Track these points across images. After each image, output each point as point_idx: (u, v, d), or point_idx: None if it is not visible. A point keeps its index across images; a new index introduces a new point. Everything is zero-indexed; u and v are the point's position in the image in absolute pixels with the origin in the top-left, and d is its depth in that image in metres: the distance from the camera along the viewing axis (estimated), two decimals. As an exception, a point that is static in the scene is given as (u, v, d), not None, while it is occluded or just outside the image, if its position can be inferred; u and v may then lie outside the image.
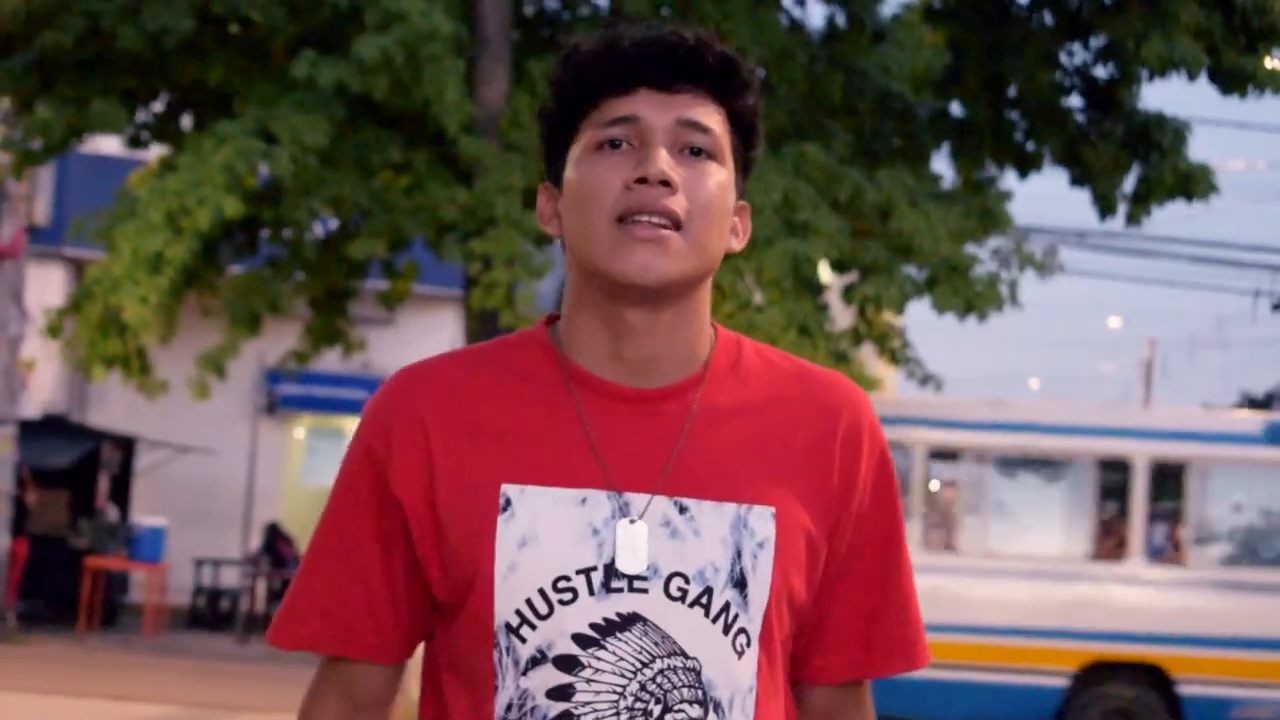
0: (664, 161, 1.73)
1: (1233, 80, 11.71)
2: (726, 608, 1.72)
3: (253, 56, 11.85)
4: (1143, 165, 12.45)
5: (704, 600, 1.72)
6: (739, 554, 1.73)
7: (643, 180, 1.72)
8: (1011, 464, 12.55)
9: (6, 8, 11.50)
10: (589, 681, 1.70)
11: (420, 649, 1.85)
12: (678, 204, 1.72)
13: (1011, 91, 12.96)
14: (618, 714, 1.69)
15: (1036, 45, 12.60)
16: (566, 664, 1.70)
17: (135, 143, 13.03)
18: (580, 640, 1.70)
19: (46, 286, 19.29)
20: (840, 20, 12.96)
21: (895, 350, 12.82)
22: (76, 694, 11.94)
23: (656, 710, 1.70)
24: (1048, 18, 12.80)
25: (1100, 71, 12.78)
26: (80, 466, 18.62)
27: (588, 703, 1.70)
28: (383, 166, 11.72)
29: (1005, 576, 11.54)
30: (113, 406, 20.72)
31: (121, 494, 19.56)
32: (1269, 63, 11.63)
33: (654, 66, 1.75)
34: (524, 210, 10.67)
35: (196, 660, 15.43)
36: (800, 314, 10.77)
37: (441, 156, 11.54)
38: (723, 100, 1.78)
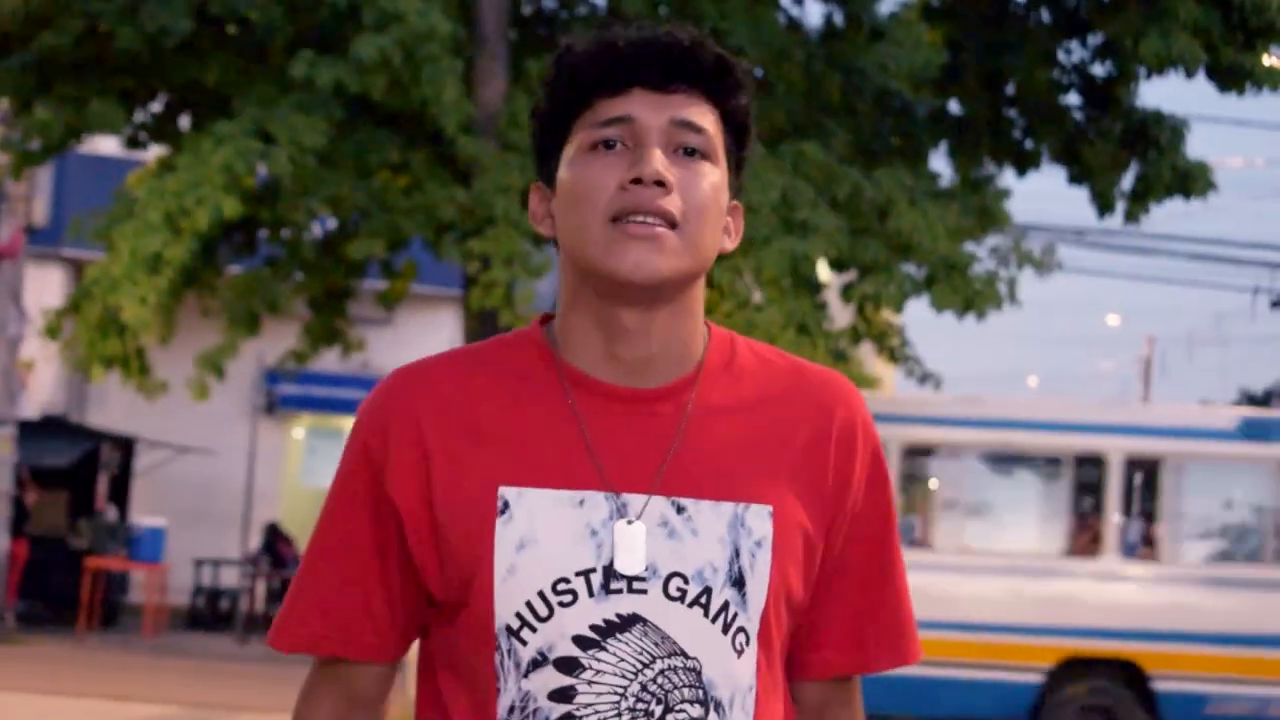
0: (659, 162, 1.73)
1: (1231, 77, 11.71)
2: (725, 607, 1.73)
3: (251, 57, 11.85)
4: (1141, 163, 12.46)
5: (703, 600, 1.72)
6: (737, 553, 1.73)
7: (638, 181, 1.72)
8: (987, 460, 12.56)
9: (5, 8, 11.50)
10: (590, 683, 1.70)
11: (415, 645, 1.85)
12: (672, 204, 1.73)
13: (1010, 89, 12.97)
14: (619, 715, 1.70)
15: (1034, 43, 12.60)
16: (567, 666, 1.70)
17: (133, 143, 13.04)
18: (581, 642, 1.70)
19: (45, 287, 19.30)
20: (838, 19, 12.97)
21: (894, 349, 12.84)
22: (76, 694, 11.94)
23: (658, 711, 1.70)
24: (1046, 15, 12.81)
25: (1098, 69, 12.79)
26: (80, 467, 18.62)
27: (589, 704, 1.70)
28: (381, 166, 11.72)
29: (981, 573, 11.54)
30: (112, 407, 20.72)
31: (121, 494, 19.56)
32: (1267, 60, 11.63)
33: (648, 67, 1.75)
34: (522, 210, 10.67)
35: (196, 660, 15.43)
36: (799, 313, 10.77)
37: (440, 156, 11.54)
38: (716, 100, 1.78)
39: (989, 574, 11.55)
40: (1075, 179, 12.74)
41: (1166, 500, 11.78)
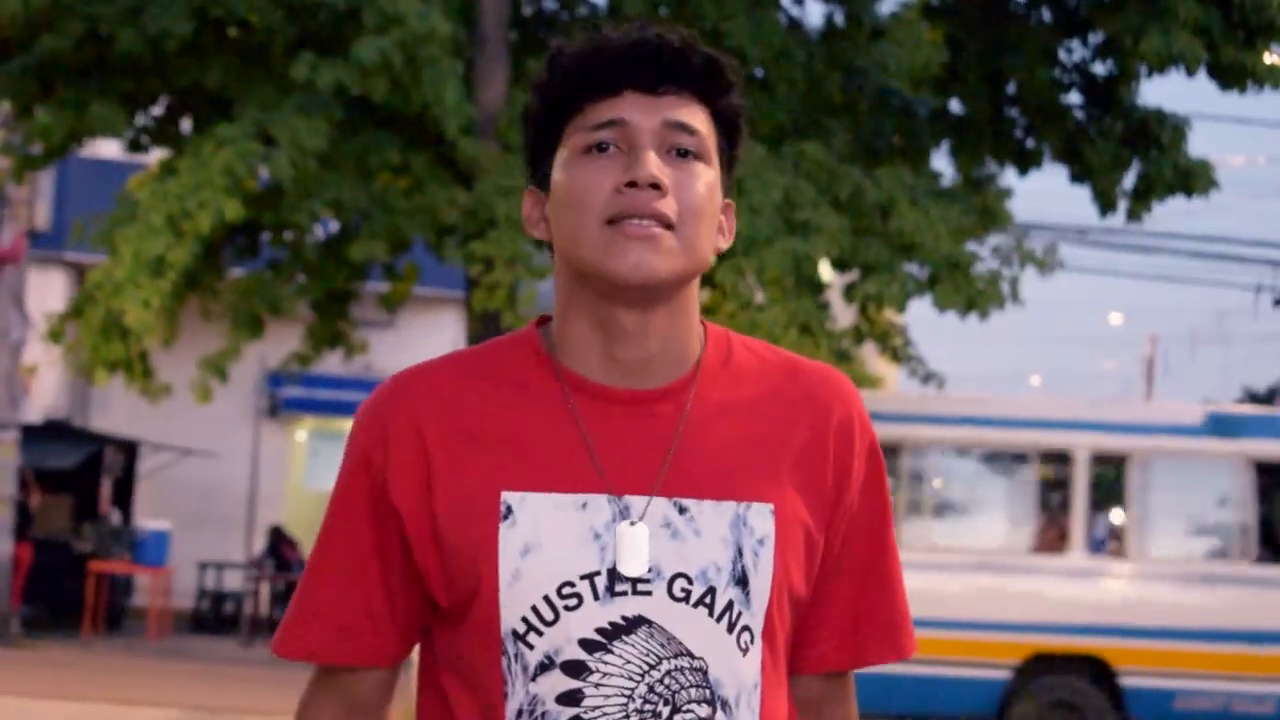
0: (653, 165, 1.73)
1: (1232, 75, 11.72)
2: (730, 606, 1.73)
3: (252, 59, 11.86)
4: (1142, 161, 12.46)
5: (708, 600, 1.72)
6: (740, 552, 1.74)
7: (632, 184, 1.72)
8: (954, 457, 12.57)
9: (5, 12, 11.50)
10: (597, 686, 1.70)
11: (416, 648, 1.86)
12: (668, 206, 1.73)
13: (1011, 88, 12.98)
14: (627, 716, 1.70)
15: (1035, 42, 12.61)
16: (574, 669, 1.70)
17: (135, 146, 13.05)
18: (587, 645, 1.70)
19: (48, 291, 19.32)
20: (839, 18, 12.98)
21: (897, 349, 12.84)
22: (81, 698, 11.95)
23: (665, 711, 1.71)
24: (1046, 14, 12.82)
25: (1099, 68, 12.80)
26: (83, 470, 18.62)
27: (597, 706, 1.70)
28: (382, 168, 11.73)
29: (948, 570, 11.54)
30: (115, 410, 20.73)
31: (124, 498, 19.55)
32: (1268, 58, 11.64)
33: (639, 69, 1.75)
34: (523, 211, 10.68)
35: (201, 664, 15.43)
36: (801, 313, 10.77)
37: (441, 158, 11.55)
38: (707, 100, 1.79)
39: (956, 571, 11.55)
40: (1077, 178, 12.74)
41: (1134, 497, 11.78)
